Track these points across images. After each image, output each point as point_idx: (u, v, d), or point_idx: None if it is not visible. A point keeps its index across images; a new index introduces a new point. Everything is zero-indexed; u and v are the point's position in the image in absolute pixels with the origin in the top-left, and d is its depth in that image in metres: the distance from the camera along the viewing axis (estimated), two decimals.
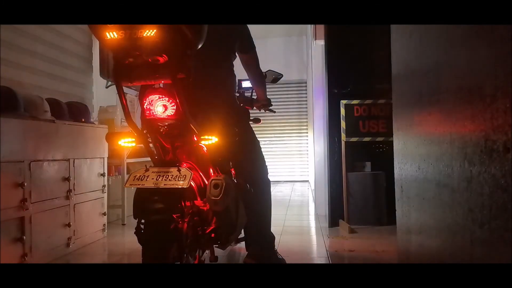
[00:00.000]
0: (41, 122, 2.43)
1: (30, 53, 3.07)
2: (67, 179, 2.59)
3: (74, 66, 3.63)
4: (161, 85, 1.45)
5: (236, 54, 2.12)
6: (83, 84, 3.77)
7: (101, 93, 3.87)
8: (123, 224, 3.56)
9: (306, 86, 7.81)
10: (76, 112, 2.96)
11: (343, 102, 3.27)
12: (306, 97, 7.87)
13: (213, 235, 1.60)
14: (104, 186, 3.08)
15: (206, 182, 1.58)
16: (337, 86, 3.41)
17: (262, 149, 2.23)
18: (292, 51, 7.85)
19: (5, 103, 2.24)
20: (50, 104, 2.63)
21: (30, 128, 2.29)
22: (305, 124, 8.02)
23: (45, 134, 2.42)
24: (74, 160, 2.68)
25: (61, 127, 2.58)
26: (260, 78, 2.29)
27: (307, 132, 7.90)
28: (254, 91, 2.40)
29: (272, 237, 2.16)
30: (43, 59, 3.20)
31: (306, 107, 7.89)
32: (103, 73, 3.43)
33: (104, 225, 3.09)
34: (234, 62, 2.12)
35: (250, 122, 2.23)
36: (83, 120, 2.99)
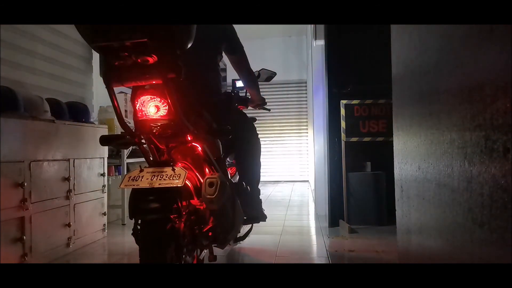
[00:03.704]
0: (41, 122, 2.43)
1: (30, 53, 3.07)
2: (67, 179, 2.59)
3: (74, 66, 3.62)
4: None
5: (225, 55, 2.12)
6: (83, 84, 3.77)
7: (101, 93, 3.86)
8: (123, 224, 3.57)
9: (306, 86, 7.81)
10: (76, 112, 2.96)
11: (343, 102, 3.27)
12: (306, 97, 7.87)
13: (210, 234, 1.60)
14: (104, 186, 3.08)
15: (202, 181, 1.58)
16: (337, 86, 3.41)
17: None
18: (292, 51, 7.85)
19: (5, 103, 2.24)
20: (50, 104, 2.63)
21: (30, 128, 2.29)
22: (305, 124, 8.03)
23: (45, 134, 2.42)
24: (74, 160, 2.68)
25: (61, 127, 2.58)
26: (251, 78, 2.28)
27: (307, 132, 7.90)
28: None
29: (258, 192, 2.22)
30: (43, 59, 3.20)
31: (306, 107, 7.89)
32: None
33: (104, 225, 3.09)
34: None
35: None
36: (83, 120, 2.99)
